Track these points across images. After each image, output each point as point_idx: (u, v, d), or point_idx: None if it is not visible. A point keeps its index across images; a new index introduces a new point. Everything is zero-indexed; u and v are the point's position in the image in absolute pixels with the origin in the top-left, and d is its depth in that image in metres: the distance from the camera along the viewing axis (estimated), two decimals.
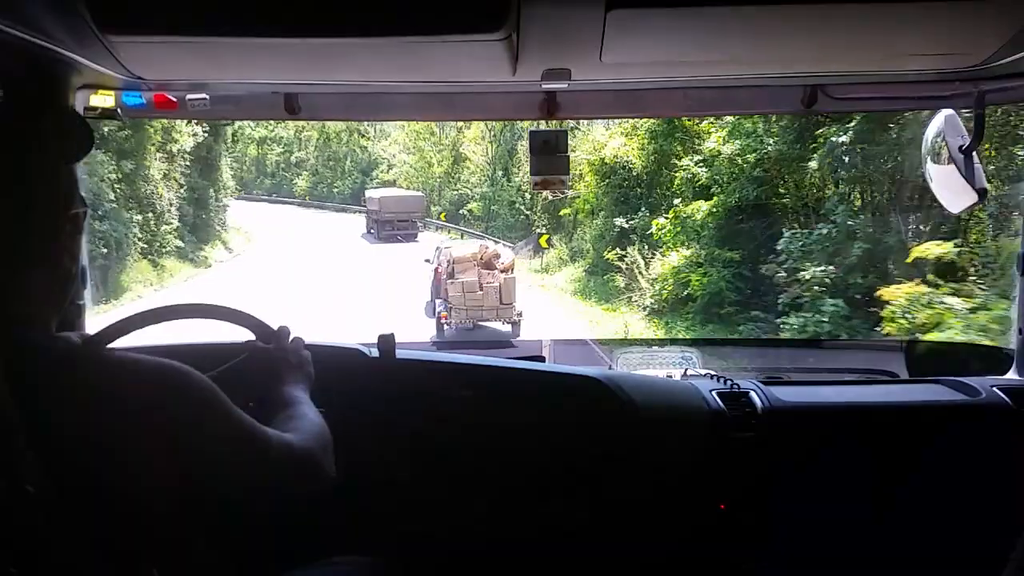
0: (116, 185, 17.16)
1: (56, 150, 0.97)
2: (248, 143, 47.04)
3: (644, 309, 15.31)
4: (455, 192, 33.83)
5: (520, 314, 13.16)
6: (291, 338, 1.41)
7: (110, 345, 1.37)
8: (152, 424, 0.91)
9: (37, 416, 0.84)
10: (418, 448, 1.81)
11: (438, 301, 13.36)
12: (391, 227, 27.82)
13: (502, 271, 13.33)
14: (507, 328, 13.20)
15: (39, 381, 0.87)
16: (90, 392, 0.89)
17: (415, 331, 12.70)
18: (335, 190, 43.13)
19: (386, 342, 1.79)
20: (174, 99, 1.76)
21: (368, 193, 32.17)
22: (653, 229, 15.49)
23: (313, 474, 1.10)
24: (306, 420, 1.17)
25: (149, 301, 14.05)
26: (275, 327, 1.42)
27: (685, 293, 14.05)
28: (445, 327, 12.92)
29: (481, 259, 13.35)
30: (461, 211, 32.21)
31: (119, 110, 1.72)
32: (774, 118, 13.18)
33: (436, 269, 13.92)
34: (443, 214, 32.41)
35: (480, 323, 13.14)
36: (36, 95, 1.41)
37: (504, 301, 13.02)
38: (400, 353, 1.81)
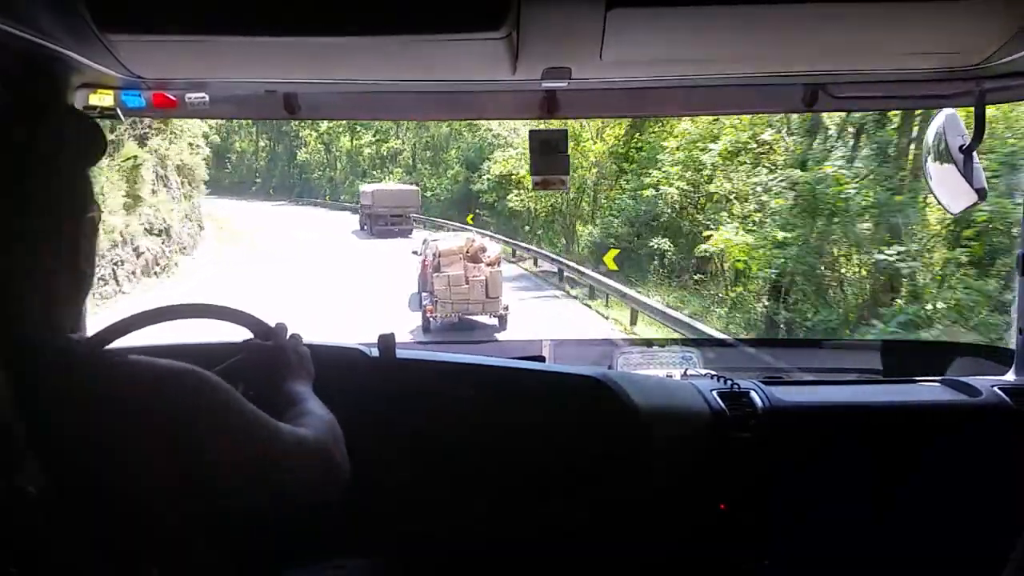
0: None
1: (71, 155, 0.97)
2: (340, 132, 40.34)
3: None
4: (634, 199, 16.44)
5: (507, 308, 12.98)
6: (288, 334, 1.41)
7: (111, 345, 1.38)
8: (169, 428, 0.90)
9: (41, 418, 0.84)
10: (418, 448, 1.81)
11: (424, 294, 13.23)
12: (384, 222, 27.40)
13: (488, 265, 13.14)
14: (493, 322, 13.04)
15: (47, 384, 0.87)
16: (105, 397, 0.88)
17: (400, 325, 12.53)
18: (430, 193, 32.06)
19: (386, 342, 1.79)
20: (173, 98, 1.76)
21: (361, 187, 31.29)
22: None
23: (328, 468, 1.10)
24: (315, 416, 1.17)
25: None
26: (274, 325, 1.42)
27: None
28: (430, 321, 12.75)
29: (467, 252, 13.15)
30: (651, 244, 15.28)
31: (118, 109, 1.72)
32: None
33: (423, 262, 13.83)
34: (613, 256, 15.67)
35: (465, 316, 12.95)
36: (35, 94, 1.41)
37: (490, 295, 12.84)
38: (400, 353, 1.81)
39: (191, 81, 1.72)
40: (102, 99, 1.69)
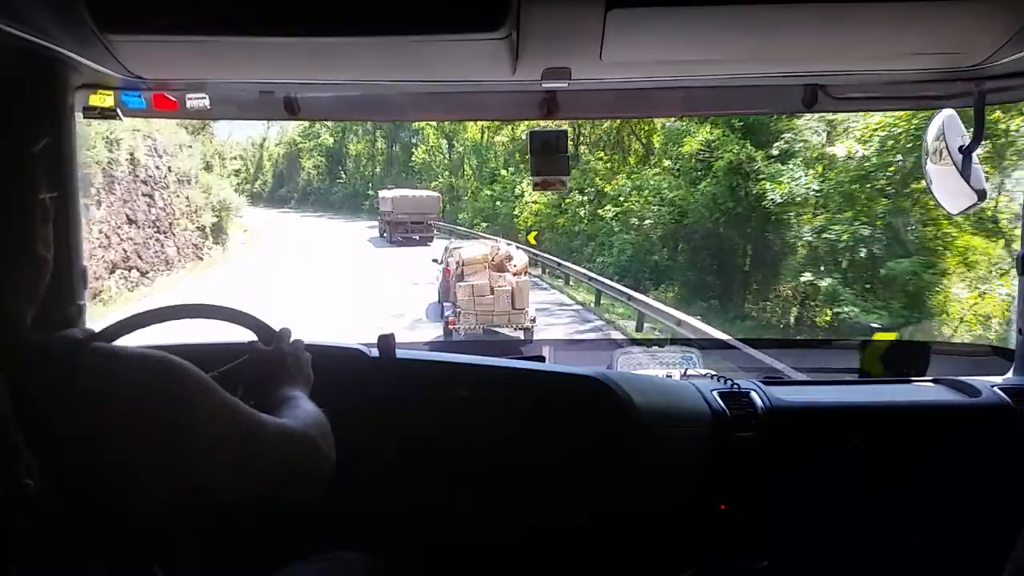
0: None
1: (20, 134, 0.95)
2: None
3: None
4: None
5: (533, 320, 12.43)
6: (292, 340, 1.40)
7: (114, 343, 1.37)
8: (145, 414, 0.90)
9: (32, 414, 0.84)
10: (418, 448, 1.81)
11: (446, 305, 12.69)
12: (404, 229, 26.67)
13: (514, 274, 12.62)
14: (519, 335, 12.40)
15: (34, 379, 0.87)
16: (82, 387, 0.88)
17: (417, 337, 11.98)
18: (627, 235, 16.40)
19: (386, 342, 1.80)
20: (174, 99, 1.76)
21: (381, 193, 29.80)
22: None
23: (313, 459, 1.09)
24: (301, 410, 1.17)
25: None
26: (277, 329, 1.42)
27: None
28: (453, 333, 12.15)
29: (492, 260, 12.65)
30: None
31: (118, 110, 1.73)
32: None
33: (445, 270, 13.32)
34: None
35: (490, 328, 12.36)
36: (35, 95, 1.41)
37: (516, 306, 12.28)
38: (400, 353, 1.81)
39: (191, 82, 1.72)
40: (103, 100, 1.69)
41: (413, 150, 38.32)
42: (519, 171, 24.51)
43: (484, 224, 24.10)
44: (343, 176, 47.01)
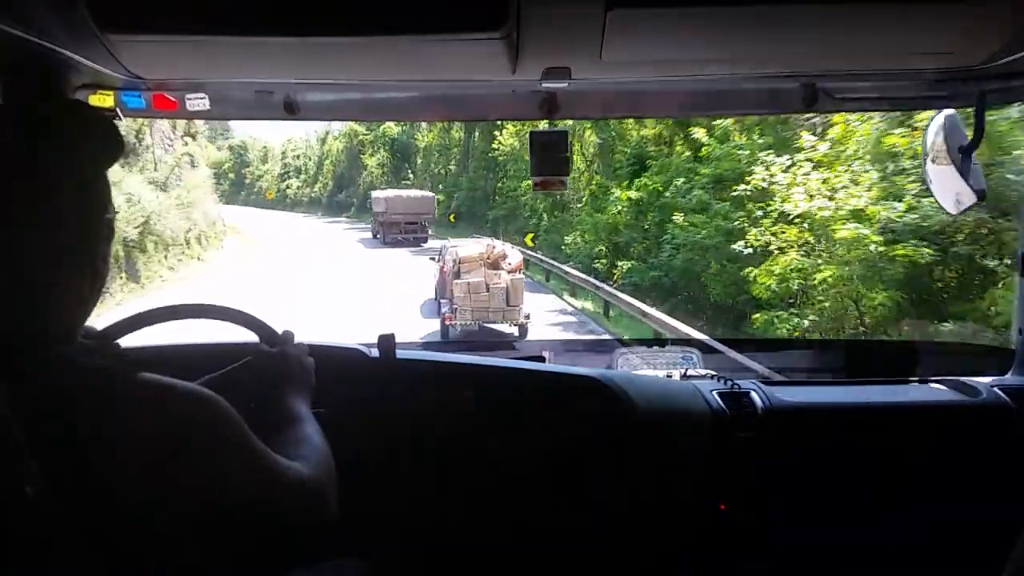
0: None
1: (89, 155, 0.96)
2: None
3: None
4: None
5: (528, 317, 12.59)
6: (295, 343, 1.39)
7: (118, 342, 1.38)
8: (175, 446, 0.91)
9: (44, 420, 0.83)
10: (418, 448, 1.81)
11: (443, 302, 12.90)
12: (398, 229, 26.73)
13: (509, 272, 12.77)
14: (513, 331, 12.64)
15: (55, 388, 0.87)
16: (116, 408, 0.88)
17: (413, 334, 12.05)
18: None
19: (386, 342, 1.80)
20: (173, 99, 1.76)
21: (374, 194, 29.52)
22: None
23: (319, 506, 1.10)
24: (311, 446, 1.16)
25: None
26: (280, 332, 1.42)
27: None
28: (449, 329, 12.36)
29: (488, 259, 12.83)
30: None
31: (119, 110, 1.73)
32: None
33: (441, 269, 13.48)
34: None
35: (485, 324, 12.55)
36: (36, 95, 1.41)
37: (511, 303, 12.46)
38: (400, 353, 1.81)
39: (191, 82, 1.72)
40: (102, 100, 1.69)
41: (497, 134, 27.54)
42: (720, 134, 12.05)
43: (610, 263, 13.39)
44: (411, 177, 39.79)
